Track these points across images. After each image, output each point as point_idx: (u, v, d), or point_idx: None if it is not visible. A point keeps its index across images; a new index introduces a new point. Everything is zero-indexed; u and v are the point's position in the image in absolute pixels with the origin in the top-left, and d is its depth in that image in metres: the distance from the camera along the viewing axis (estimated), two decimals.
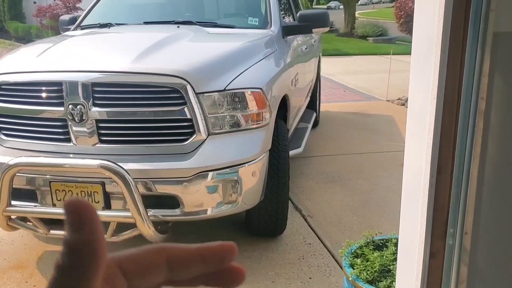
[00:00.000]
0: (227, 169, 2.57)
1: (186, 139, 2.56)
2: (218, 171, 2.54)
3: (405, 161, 1.47)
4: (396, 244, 2.06)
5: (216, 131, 2.59)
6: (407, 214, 1.49)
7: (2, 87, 2.70)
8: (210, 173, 2.52)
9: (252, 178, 2.66)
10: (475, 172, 1.30)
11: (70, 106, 2.51)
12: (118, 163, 2.33)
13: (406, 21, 16.38)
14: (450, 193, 1.35)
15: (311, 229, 3.32)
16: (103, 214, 2.47)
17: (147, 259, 0.31)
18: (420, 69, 1.39)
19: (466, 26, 1.20)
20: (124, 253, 0.32)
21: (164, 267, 0.31)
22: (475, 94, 1.24)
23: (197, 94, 2.53)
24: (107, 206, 2.49)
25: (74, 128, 2.54)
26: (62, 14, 11.61)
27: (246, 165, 2.62)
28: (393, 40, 17.30)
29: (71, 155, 2.56)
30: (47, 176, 2.51)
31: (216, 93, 2.59)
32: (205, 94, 2.56)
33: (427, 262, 1.42)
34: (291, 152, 3.41)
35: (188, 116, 2.53)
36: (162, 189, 2.49)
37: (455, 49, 1.28)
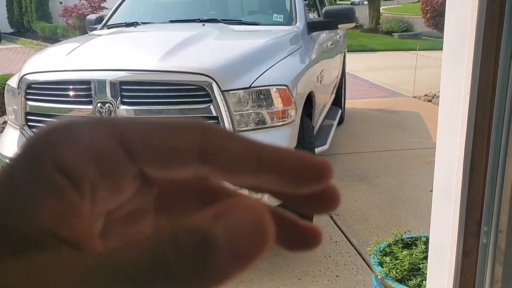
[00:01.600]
0: None
1: None
2: None
3: (437, 158, 1.44)
4: (425, 243, 2.03)
5: (242, 129, 2.59)
6: (439, 212, 1.46)
7: (32, 86, 2.76)
8: None
9: None
10: (511, 169, 1.27)
11: (99, 105, 2.54)
12: None
13: (433, 16, 16.09)
14: (484, 191, 1.32)
15: (337, 227, 3.30)
16: None
17: (170, 138, 0.21)
18: (452, 64, 1.36)
19: (502, 18, 1.17)
20: (129, 121, 0.21)
21: (195, 151, 0.20)
22: (511, 88, 1.20)
23: (222, 91, 2.53)
24: None
25: None
26: (88, 14, 11.81)
27: None
28: (418, 35, 17.02)
29: None
30: None
31: (241, 91, 2.59)
32: (231, 92, 2.56)
33: (460, 261, 1.39)
34: (317, 150, 3.38)
35: (214, 114, 2.54)
36: None
37: (489, 42, 1.24)
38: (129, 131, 0.21)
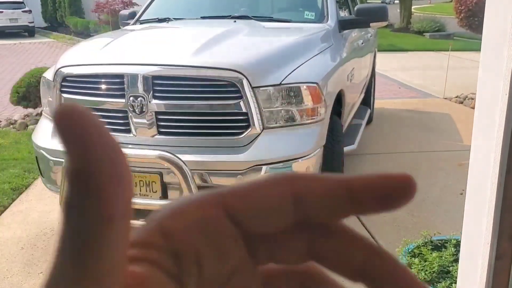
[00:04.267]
0: (281, 164, 2.57)
1: (241, 133, 2.58)
2: (272, 165, 2.55)
3: (471, 159, 1.42)
4: (455, 245, 2.00)
5: (271, 125, 2.60)
6: (472, 214, 1.44)
7: (67, 78, 2.82)
8: (264, 167, 2.53)
9: None
10: None
11: (131, 98, 2.59)
12: (176, 154, 2.38)
13: (467, 16, 15.74)
14: None
15: (365, 227, 3.27)
16: (160, 203, 2.54)
17: (264, 193, 0.22)
18: (491, 63, 1.34)
19: None
20: (229, 189, 0.22)
21: (290, 204, 0.22)
22: None
23: (253, 88, 2.54)
24: (164, 196, 2.55)
25: (134, 120, 2.61)
26: (119, 10, 11.95)
27: (300, 160, 2.61)
28: (451, 36, 16.68)
29: (130, 146, 2.64)
30: None
31: (271, 88, 2.59)
32: (261, 88, 2.57)
33: (493, 264, 1.36)
34: (345, 149, 3.37)
35: (244, 110, 2.55)
36: (217, 181, 2.52)
37: None
38: (229, 199, 0.22)
